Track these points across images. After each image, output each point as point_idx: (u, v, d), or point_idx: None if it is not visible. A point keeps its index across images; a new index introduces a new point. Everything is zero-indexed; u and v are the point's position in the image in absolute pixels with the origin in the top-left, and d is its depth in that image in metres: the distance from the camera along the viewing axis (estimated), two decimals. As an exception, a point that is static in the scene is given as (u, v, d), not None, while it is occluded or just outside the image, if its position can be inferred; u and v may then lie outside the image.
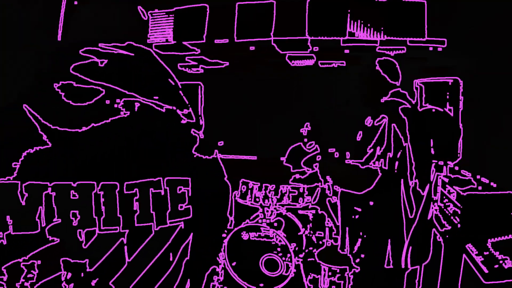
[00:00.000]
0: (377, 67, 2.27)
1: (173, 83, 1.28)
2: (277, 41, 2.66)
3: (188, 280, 1.30)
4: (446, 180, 2.23)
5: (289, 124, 2.96)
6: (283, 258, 2.62)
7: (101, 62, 1.12)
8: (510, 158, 2.46)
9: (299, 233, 2.75)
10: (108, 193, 1.06)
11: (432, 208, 2.31)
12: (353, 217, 2.34)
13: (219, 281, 2.81)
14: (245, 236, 2.69)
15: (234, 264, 2.72)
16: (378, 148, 2.27)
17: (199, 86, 3.20)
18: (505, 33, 2.48)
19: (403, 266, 2.25)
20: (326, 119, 2.97)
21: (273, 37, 2.61)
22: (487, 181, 2.17)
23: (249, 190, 2.86)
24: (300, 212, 2.86)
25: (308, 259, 2.70)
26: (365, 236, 2.35)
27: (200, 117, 3.22)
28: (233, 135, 3.46)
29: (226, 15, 2.69)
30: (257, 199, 2.82)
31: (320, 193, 2.83)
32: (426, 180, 2.23)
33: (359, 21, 2.48)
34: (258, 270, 2.67)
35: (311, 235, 2.78)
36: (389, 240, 2.28)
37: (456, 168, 2.45)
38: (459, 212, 1.98)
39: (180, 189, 1.15)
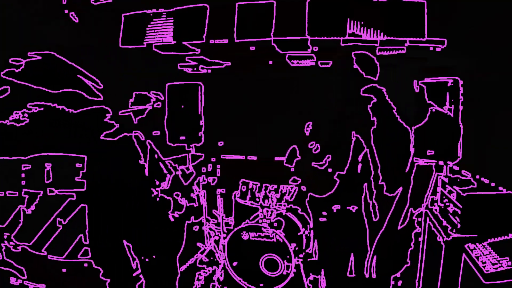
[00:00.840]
0: (354, 61, 2.19)
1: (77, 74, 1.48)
2: (277, 41, 2.66)
3: (89, 249, 1.47)
4: (446, 180, 2.23)
5: (289, 124, 2.96)
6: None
7: (18, 67, 1.37)
8: (510, 158, 2.46)
9: (299, 233, 2.75)
10: (16, 166, 1.28)
11: (409, 213, 2.16)
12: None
13: (219, 280, 2.81)
14: (245, 236, 2.69)
15: (234, 264, 2.72)
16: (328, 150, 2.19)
17: (199, 86, 3.21)
18: (505, 33, 2.48)
19: (367, 276, 2.11)
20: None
21: (273, 37, 2.61)
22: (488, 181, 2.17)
23: (249, 190, 2.86)
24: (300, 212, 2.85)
25: (308, 259, 2.70)
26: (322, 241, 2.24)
27: (200, 117, 3.23)
28: (233, 135, 3.46)
29: (226, 15, 2.69)
30: (257, 199, 2.82)
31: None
32: (396, 184, 2.12)
33: (359, 21, 2.48)
34: (258, 270, 2.67)
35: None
36: (352, 248, 2.16)
37: (456, 168, 2.45)
38: (459, 212, 1.98)
39: (76, 165, 1.34)
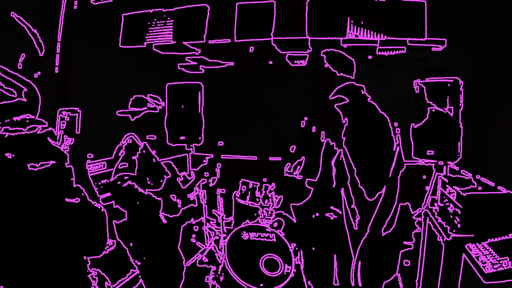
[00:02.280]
0: (325, 60, 2.07)
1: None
2: (277, 41, 2.66)
3: None
4: (446, 180, 2.22)
5: (289, 124, 2.96)
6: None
7: None
8: (510, 158, 2.46)
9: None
10: None
11: (396, 217, 2.05)
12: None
13: (220, 280, 2.81)
14: (245, 236, 2.69)
15: (234, 264, 2.72)
16: (300, 155, 2.09)
17: (199, 86, 3.21)
18: (505, 33, 2.48)
19: (352, 284, 2.03)
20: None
21: (273, 37, 2.61)
22: (488, 181, 2.16)
23: (249, 190, 2.85)
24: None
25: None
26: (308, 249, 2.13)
27: (200, 117, 3.23)
28: (233, 135, 3.46)
29: (226, 15, 2.69)
30: (257, 199, 2.81)
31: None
32: (376, 188, 2.00)
33: (359, 21, 2.48)
34: (258, 270, 2.67)
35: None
36: (335, 256, 2.08)
37: (456, 168, 2.45)
38: (459, 212, 1.97)
39: None
